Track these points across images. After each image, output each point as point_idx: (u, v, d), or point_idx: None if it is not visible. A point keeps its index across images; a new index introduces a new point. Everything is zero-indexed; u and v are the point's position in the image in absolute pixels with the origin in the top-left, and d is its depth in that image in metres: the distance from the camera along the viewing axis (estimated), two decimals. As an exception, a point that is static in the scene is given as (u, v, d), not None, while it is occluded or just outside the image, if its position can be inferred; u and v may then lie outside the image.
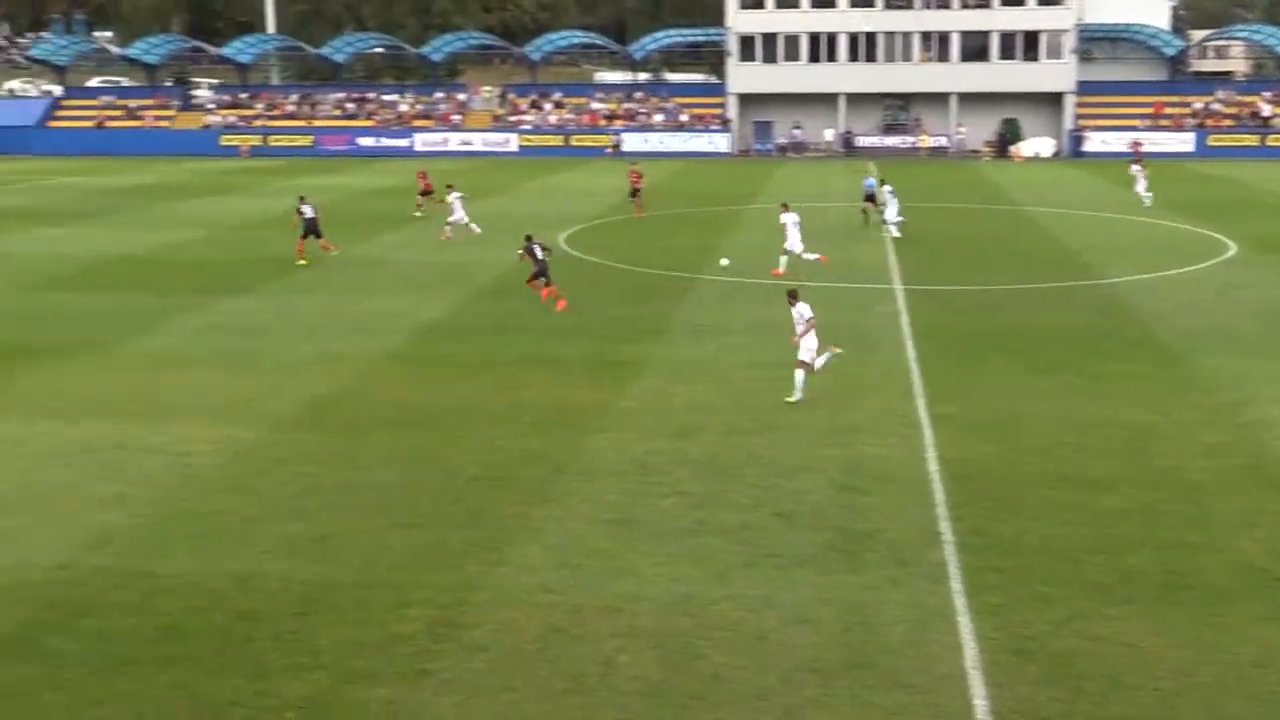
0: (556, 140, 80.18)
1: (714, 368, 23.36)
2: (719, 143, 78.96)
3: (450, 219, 40.32)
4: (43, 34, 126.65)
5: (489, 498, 16.49)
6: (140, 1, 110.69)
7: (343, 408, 20.87)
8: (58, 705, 11.37)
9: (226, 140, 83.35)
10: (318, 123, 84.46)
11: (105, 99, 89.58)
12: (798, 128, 79.69)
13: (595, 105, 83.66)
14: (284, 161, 76.31)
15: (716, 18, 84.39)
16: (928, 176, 63.05)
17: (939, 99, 78.52)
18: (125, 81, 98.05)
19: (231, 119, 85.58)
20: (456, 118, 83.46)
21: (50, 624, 12.96)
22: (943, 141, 77.95)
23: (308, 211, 36.33)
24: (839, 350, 21.55)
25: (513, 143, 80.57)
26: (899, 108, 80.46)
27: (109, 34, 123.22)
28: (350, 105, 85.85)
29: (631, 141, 79.15)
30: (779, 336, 25.70)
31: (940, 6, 77.62)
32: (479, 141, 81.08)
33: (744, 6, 79.44)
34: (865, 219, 41.94)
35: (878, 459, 17.96)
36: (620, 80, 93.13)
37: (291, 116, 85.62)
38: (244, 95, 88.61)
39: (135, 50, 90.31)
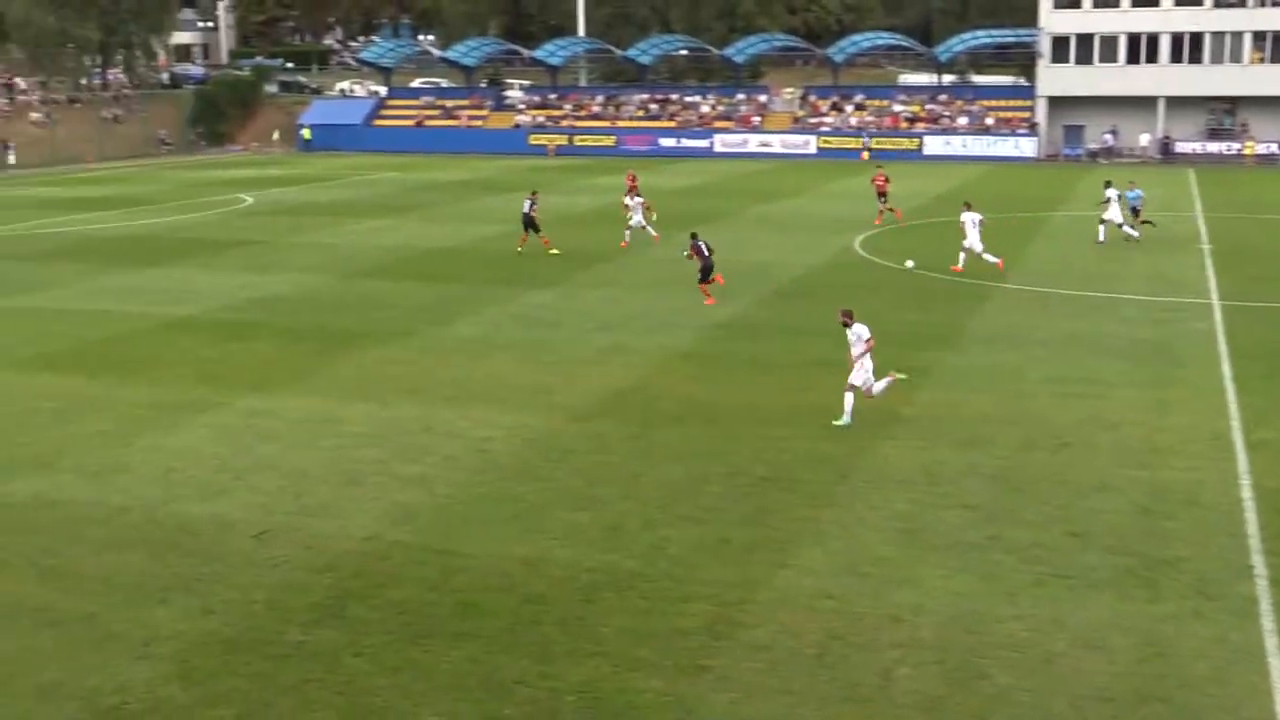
0: (856, 143, 79.37)
1: (1011, 379, 22.59)
2: (1025, 147, 76.30)
3: (630, 222, 39.87)
4: (372, 38, 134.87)
5: (774, 498, 16.49)
6: (460, 7, 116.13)
7: (633, 401, 21.32)
8: (359, 670, 12.08)
9: (535, 139, 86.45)
10: (621, 123, 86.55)
11: (425, 99, 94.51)
12: (1112, 132, 76.12)
13: (897, 107, 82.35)
14: (587, 160, 78.57)
15: (1027, 18, 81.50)
16: (1254, 186, 59.00)
17: (1271, 103, 73.35)
18: (444, 83, 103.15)
19: (540, 119, 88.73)
20: (756, 119, 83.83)
21: (355, 592, 13.79)
22: (1273, 149, 72.79)
23: (525, 206, 38.38)
24: (902, 375, 20.07)
25: (811, 145, 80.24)
26: (1224, 112, 75.64)
27: (431, 38, 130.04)
28: (653, 106, 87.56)
29: (932, 145, 77.51)
30: (1086, 351, 24.65)
31: (1276, 4, 72.49)
32: (778, 143, 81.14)
33: (1058, 6, 76.44)
34: (1152, 226, 39.79)
35: (1184, 483, 16.95)
36: (924, 82, 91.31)
37: (596, 117, 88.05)
38: (553, 96, 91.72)
39: (454, 53, 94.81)
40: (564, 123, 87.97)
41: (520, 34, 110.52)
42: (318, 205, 53.08)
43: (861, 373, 19.69)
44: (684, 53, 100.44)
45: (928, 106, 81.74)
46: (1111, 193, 39.42)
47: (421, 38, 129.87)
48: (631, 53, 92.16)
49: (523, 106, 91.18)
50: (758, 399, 21.37)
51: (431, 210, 50.80)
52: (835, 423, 19.61)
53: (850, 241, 39.94)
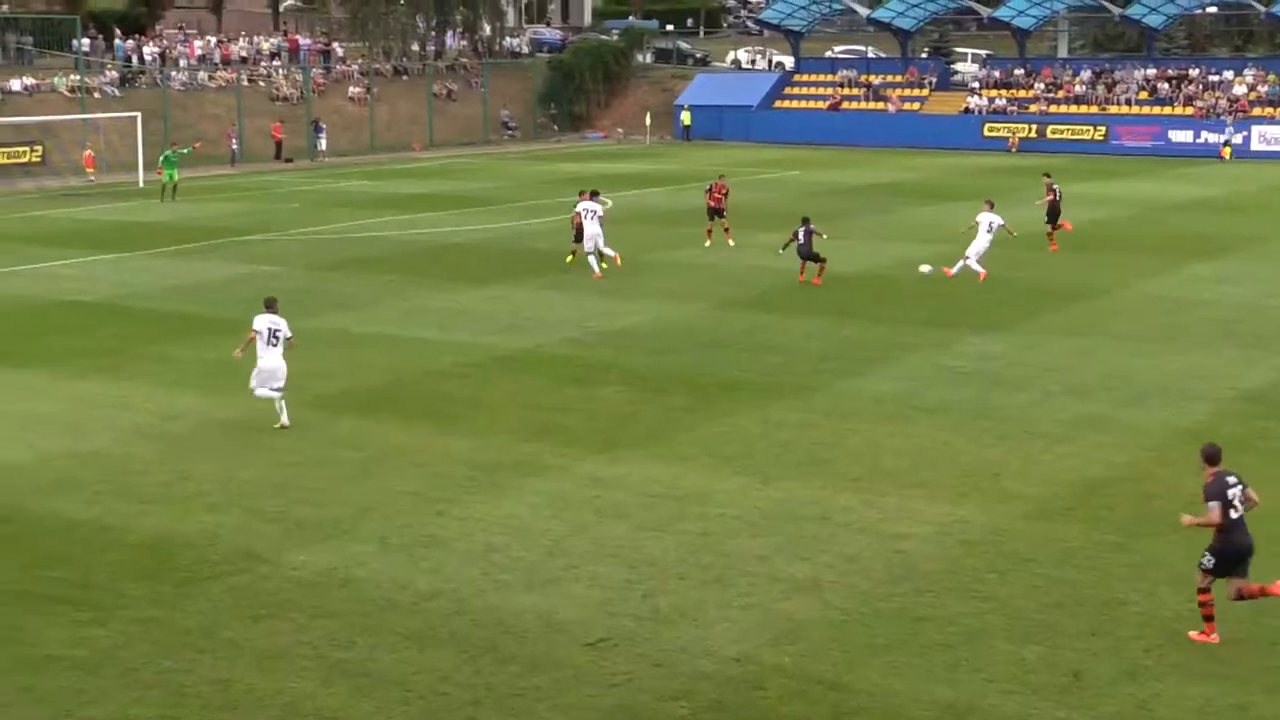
0: None
1: None
2: None
3: (588, 248, 39.59)
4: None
5: (1316, 650, 15.50)
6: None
7: (1117, 497, 20.64)
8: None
9: (991, 130, 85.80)
10: (1114, 109, 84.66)
11: (844, 74, 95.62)
12: None
13: None
14: (1063, 159, 77.07)
15: None
16: None
17: None
18: (871, 52, 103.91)
19: (1000, 102, 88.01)
20: (1317, 105, 79.95)
21: (717, 730, 13.94)
22: None
23: (585, 211, 39.22)
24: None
25: (1396, 143, 75.66)
26: None
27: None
28: (1163, 86, 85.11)
29: None
30: None
31: None
32: (1345, 139, 77.06)
33: None
34: None
35: None
36: None
37: (1080, 100, 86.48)
38: (1019, 71, 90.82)
39: (887, 12, 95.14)
40: (1032, 107, 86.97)
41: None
42: (693, 212, 54.51)
43: (260, 373, 24.45)
44: (1212, 10, 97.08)
45: None
46: None
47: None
48: (1134, 11, 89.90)
49: (976, 84, 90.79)
50: (1298, 504, 20.18)
51: (844, 223, 51.06)
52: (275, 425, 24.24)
53: None
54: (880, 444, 23.44)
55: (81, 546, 19.09)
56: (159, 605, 17.05)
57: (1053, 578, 17.62)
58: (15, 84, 77.18)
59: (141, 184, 66.11)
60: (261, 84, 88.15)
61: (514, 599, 17.14)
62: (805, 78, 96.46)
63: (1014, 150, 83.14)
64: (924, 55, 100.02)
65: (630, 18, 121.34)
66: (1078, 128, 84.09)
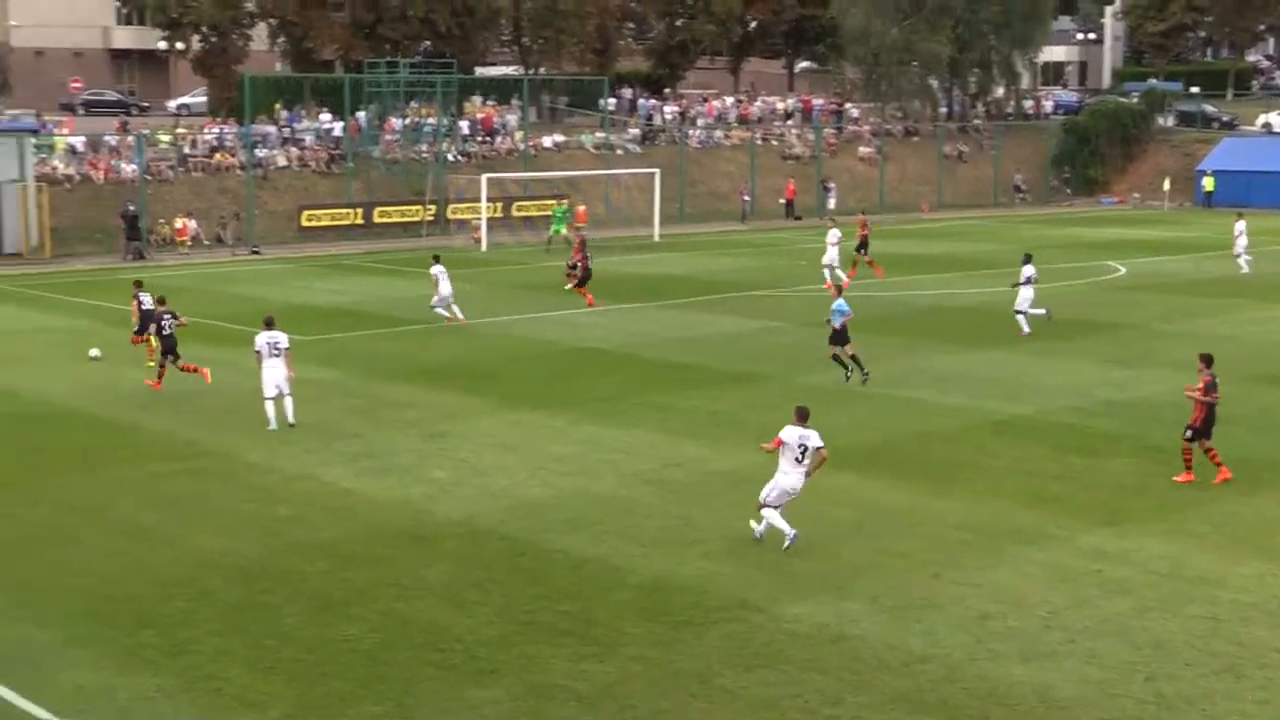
0: None
1: None
2: None
3: (438, 296, 42.21)
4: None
5: None
6: None
7: None
8: None
9: None
10: None
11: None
12: None
13: None
14: None
15: None
16: None
17: None
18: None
19: None
20: None
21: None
22: None
23: (146, 301, 34.91)
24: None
25: None
26: None
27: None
28: None
29: None
30: None
31: None
32: None
33: None
34: None
35: None
36: None
37: None
38: None
39: None
40: None
41: None
42: (1210, 282, 52.46)
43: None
44: None
45: None
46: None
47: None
48: None
49: None
50: None
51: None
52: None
53: None
54: None
55: (588, 583, 19.91)
56: (656, 646, 17.55)
57: None
58: (547, 140, 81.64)
59: (657, 238, 68.44)
60: (774, 143, 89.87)
61: (1008, 669, 16.86)
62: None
63: None
64: None
65: (1152, 80, 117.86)
66: None
